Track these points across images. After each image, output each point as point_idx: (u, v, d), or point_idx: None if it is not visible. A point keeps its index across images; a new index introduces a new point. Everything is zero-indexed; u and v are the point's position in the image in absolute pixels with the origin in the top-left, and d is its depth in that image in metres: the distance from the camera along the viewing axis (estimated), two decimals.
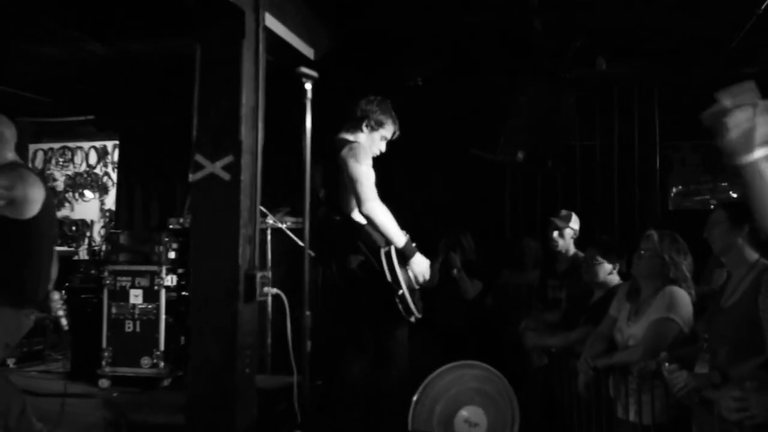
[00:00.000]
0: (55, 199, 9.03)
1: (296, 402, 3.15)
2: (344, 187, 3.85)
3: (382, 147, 4.12)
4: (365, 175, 3.82)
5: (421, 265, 3.96)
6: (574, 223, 5.03)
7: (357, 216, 3.90)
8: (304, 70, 2.91)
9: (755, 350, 2.95)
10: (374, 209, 3.77)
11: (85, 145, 8.94)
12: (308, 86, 2.94)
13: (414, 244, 4.08)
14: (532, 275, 5.76)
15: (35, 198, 3.66)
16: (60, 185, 9.04)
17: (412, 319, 3.82)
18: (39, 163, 9.12)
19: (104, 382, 6.11)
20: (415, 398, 3.34)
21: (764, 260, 3.21)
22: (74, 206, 9.03)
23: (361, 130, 4.05)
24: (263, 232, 5.18)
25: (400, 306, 3.74)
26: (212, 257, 3.05)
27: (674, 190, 6.83)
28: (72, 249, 8.39)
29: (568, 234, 4.99)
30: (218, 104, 3.05)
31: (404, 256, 3.87)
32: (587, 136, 6.63)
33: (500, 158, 5.81)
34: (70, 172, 9.04)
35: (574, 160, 6.62)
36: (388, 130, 4.11)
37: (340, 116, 4.36)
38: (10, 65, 6.59)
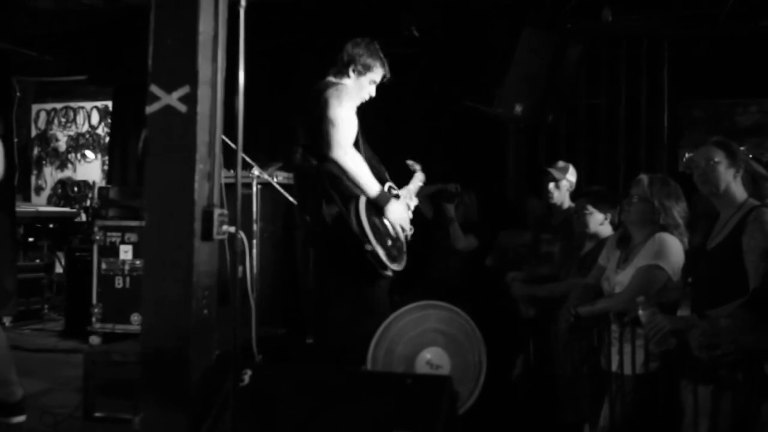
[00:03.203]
0: (56, 159, 9.04)
1: (254, 346, 3.05)
2: (324, 130, 3.75)
3: (372, 91, 3.99)
4: (343, 120, 3.74)
5: (396, 213, 3.85)
6: (572, 175, 4.85)
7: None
8: None
9: (737, 293, 2.83)
10: (344, 156, 3.69)
11: (87, 105, 8.89)
12: None
13: (395, 192, 3.95)
14: None
15: None
16: (62, 146, 9.00)
17: (388, 272, 3.73)
18: (42, 123, 9.09)
19: (95, 339, 6.08)
20: (374, 340, 3.21)
21: (753, 200, 3.05)
22: (77, 167, 8.99)
23: (348, 75, 3.93)
24: (248, 186, 5.07)
25: (371, 260, 3.65)
26: (166, 193, 2.90)
27: (687, 154, 6.59)
28: (74, 210, 8.36)
29: (564, 186, 4.81)
30: (174, 32, 2.90)
31: (377, 206, 3.77)
32: (592, 93, 6.40)
33: (497, 111, 5.58)
34: (72, 133, 9.00)
35: (578, 118, 6.40)
36: (377, 74, 3.97)
37: (322, 62, 4.25)
38: (6, 19, 6.51)
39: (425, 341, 3.23)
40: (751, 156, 3.28)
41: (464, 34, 6.11)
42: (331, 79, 3.94)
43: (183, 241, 2.87)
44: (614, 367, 3.50)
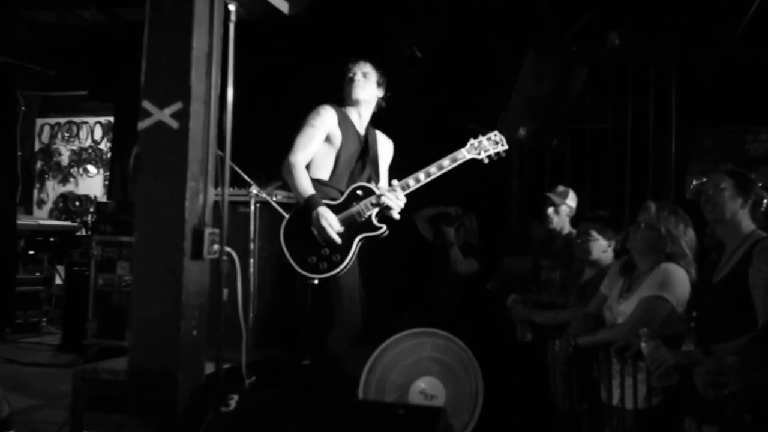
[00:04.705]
0: (59, 173, 9.01)
1: (244, 368, 2.97)
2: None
3: (353, 88, 4.10)
4: (302, 133, 3.96)
5: (316, 220, 3.77)
6: (571, 200, 4.75)
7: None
8: None
9: (744, 328, 2.73)
10: (292, 158, 3.89)
11: (91, 120, 8.87)
12: (232, 7, 2.76)
13: (342, 197, 3.95)
14: None
15: None
16: (65, 160, 8.96)
17: (314, 281, 3.75)
18: (45, 137, 9.06)
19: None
20: (367, 366, 3.11)
21: (760, 232, 2.96)
22: (79, 182, 8.95)
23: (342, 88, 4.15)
24: (245, 204, 4.99)
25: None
26: (157, 210, 2.85)
27: (694, 182, 6.48)
28: (75, 224, 8.30)
29: (564, 211, 4.71)
30: (168, 48, 2.85)
31: (308, 211, 3.80)
32: (599, 118, 6.31)
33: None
34: (75, 147, 8.97)
35: (584, 142, 6.31)
36: (349, 71, 4.12)
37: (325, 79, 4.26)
38: (9, 33, 6.50)
39: (420, 370, 3.14)
40: (760, 185, 3.17)
41: (466, 55, 6.04)
42: None
43: (172, 260, 2.81)
44: (615, 400, 3.40)
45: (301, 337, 5.40)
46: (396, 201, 3.93)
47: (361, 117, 4.19)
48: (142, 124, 2.87)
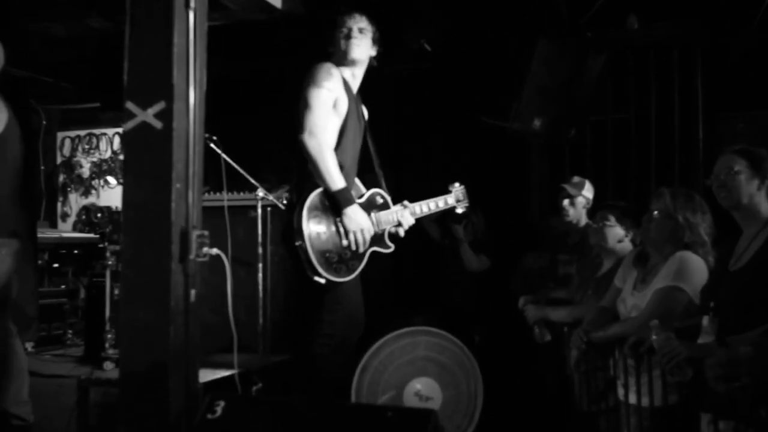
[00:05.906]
0: (81, 186, 9.04)
1: (236, 374, 2.88)
2: (299, 112, 3.57)
3: (349, 48, 3.68)
4: (319, 102, 3.52)
5: (353, 220, 3.48)
6: (588, 191, 4.60)
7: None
8: None
9: (765, 319, 2.55)
10: (309, 139, 3.45)
11: (110, 131, 8.85)
12: None
13: (363, 198, 3.68)
14: None
15: None
16: (86, 172, 8.96)
17: (320, 279, 3.36)
18: (66, 150, 9.08)
19: (108, 365, 5.90)
20: (359, 366, 2.99)
21: None
22: (100, 193, 8.95)
23: (332, 44, 3.74)
24: (253, 208, 4.90)
25: (302, 257, 3.33)
26: (143, 213, 2.78)
27: None
28: (97, 236, 8.29)
29: (580, 203, 4.57)
30: (148, 47, 2.78)
31: (337, 206, 3.46)
32: (620, 106, 6.10)
33: (514, 126, 5.33)
34: (95, 159, 8.97)
35: (606, 133, 6.11)
36: (342, 25, 3.72)
37: None
38: (22, 46, 6.52)
39: (414, 370, 3.01)
40: None
41: (478, 46, 5.90)
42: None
43: (159, 263, 2.75)
44: (631, 398, 3.26)
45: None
46: (410, 221, 3.81)
47: (354, 78, 3.77)
48: (126, 126, 2.82)
